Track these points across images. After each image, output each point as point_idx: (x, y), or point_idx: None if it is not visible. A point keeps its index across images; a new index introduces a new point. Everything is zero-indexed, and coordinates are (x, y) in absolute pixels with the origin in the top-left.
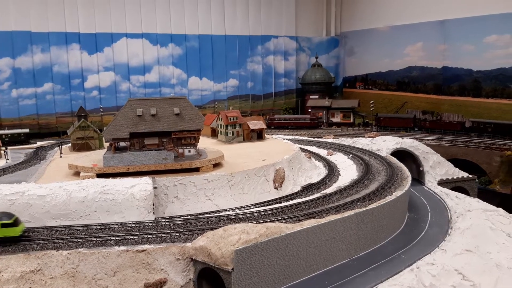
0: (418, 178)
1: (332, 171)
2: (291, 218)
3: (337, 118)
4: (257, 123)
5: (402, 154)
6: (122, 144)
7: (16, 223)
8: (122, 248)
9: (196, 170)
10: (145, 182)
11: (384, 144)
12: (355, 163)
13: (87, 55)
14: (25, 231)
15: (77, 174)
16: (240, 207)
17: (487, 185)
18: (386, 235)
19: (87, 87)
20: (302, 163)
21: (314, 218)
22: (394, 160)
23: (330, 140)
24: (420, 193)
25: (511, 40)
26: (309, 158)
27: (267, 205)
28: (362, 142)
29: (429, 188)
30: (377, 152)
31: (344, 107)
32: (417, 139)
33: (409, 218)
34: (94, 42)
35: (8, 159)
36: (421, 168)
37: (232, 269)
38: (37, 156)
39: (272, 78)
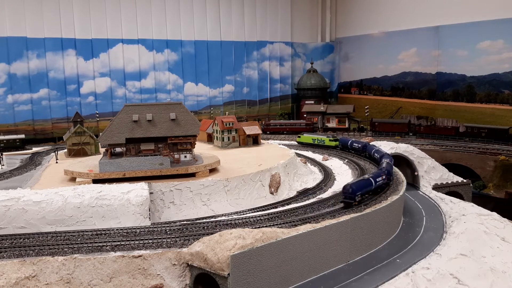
0: (413, 183)
1: (328, 176)
2: (287, 223)
3: (332, 123)
4: (252, 129)
5: (397, 159)
6: (118, 149)
7: None
8: (118, 253)
9: (192, 175)
10: (141, 188)
11: None
12: (350, 168)
13: (83, 60)
14: None
15: (73, 179)
16: (236, 212)
17: (481, 189)
18: (381, 240)
19: (83, 92)
20: (297, 168)
21: (309, 223)
22: None
23: None
24: (415, 197)
25: (504, 45)
26: (305, 163)
27: (263, 210)
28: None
29: (424, 193)
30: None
31: (339, 113)
32: (411, 144)
33: (404, 222)
34: (90, 48)
35: (3, 165)
36: (415, 173)
37: (228, 274)
38: (32, 162)
39: (268, 84)
